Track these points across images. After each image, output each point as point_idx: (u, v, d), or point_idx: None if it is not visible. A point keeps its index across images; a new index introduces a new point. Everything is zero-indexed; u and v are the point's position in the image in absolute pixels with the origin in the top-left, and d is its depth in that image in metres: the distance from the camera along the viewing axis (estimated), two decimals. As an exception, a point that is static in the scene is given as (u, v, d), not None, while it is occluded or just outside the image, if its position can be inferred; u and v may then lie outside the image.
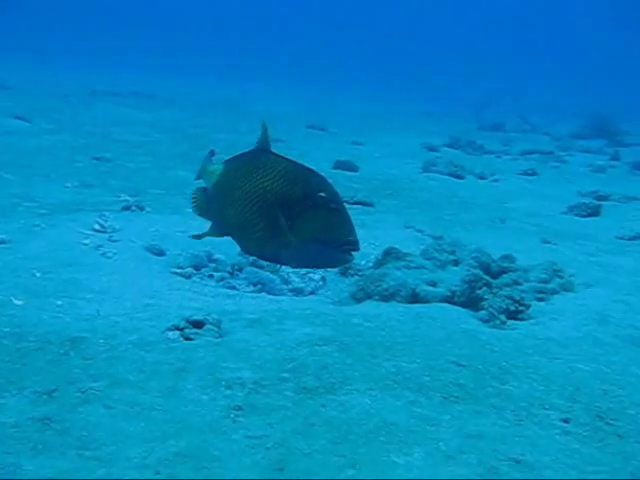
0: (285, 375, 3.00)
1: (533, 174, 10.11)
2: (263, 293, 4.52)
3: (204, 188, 3.91)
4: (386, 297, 4.13)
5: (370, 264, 5.03)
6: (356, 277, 4.99)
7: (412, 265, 4.51)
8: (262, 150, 3.60)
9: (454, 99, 26.27)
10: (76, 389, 2.76)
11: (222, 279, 4.66)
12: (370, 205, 7.05)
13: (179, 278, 4.52)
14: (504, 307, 3.96)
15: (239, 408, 2.72)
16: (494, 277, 4.61)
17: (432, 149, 12.46)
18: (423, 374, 3.07)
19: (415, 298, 4.19)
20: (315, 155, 10.02)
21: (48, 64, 21.47)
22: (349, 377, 3.01)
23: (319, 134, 13.76)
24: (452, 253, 4.78)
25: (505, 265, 4.71)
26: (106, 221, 5.26)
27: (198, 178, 4.09)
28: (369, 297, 4.16)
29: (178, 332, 3.37)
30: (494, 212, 7.13)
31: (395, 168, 9.81)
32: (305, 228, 3.26)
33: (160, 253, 4.92)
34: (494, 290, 4.04)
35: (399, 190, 8.05)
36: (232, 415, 2.68)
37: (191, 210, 3.79)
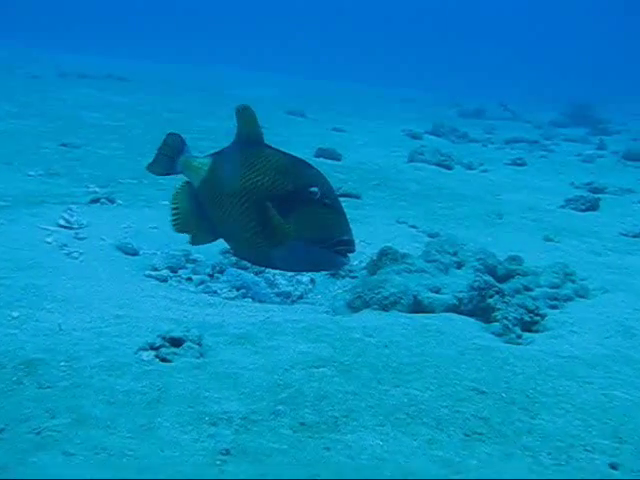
0: (279, 408, 2.55)
1: (522, 164, 9.74)
2: (248, 299, 4.08)
3: (187, 183, 3.55)
4: (386, 306, 3.70)
5: (363, 265, 4.60)
6: (347, 279, 4.57)
7: (412, 269, 4.08)
8: (253, 141, 3.25)
9: (431, 85, 25.95)
10: (29, 429, 2.30)
11: (202, 282, 4.21)
12: (357, 197, 6.61)
13: (154, 282, 4.06)
14: (518, 318, 3.54)
15: (227, 452, 2.27)
16: (500, 281, 4.21)
17: (415, 137, 12.09)
18: (439, 404, 2.64)
19: (418, 306, 3.76)
20: (296, 142, 9.56)
21: (14, 40, 20.75)
22: (354, 409, 2.58)
23: (299, 120, 13.29)
24: (455, 254, 4.36)
25: (512, 267, 4.30)
26: (72, 216, 4.78)
27: (171, 174, 3.72)
28: (367, 306, 3.72)
29: (153, 352, 2.91)
30: (489, 206, 6.72)
31: (380, 157, 9.38)
32: (297, 226, 2.89)
33: (133, 253, 4.45)
34: (506, 299, 3.62)
35: (386, 181, 7.61)
36: (218, 462, 2.23)
37: (171, 224, 3.36)
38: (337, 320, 3.47)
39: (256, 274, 4.48)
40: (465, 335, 3.35)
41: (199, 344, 3.03)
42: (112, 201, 5.41)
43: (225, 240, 3.44)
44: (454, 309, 3.75)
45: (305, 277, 4.45)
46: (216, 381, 2.74)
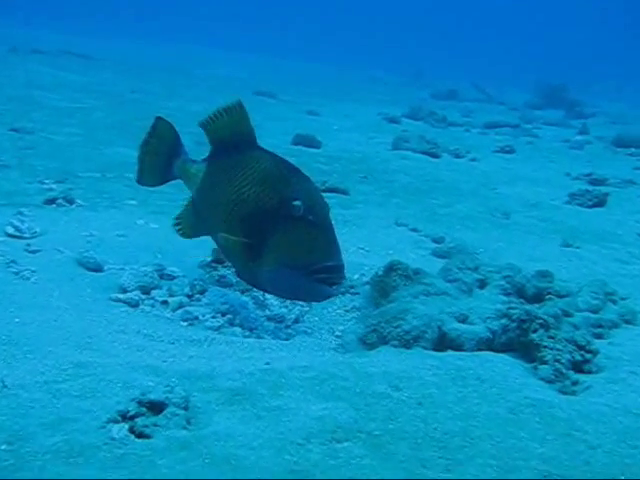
0: (301, 514, 1.90)
1: (510, 151, 9.21)
2: (236, 327, 3.40)
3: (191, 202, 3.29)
4: (408, 342, 3.06)
5: (366, 279, 3.97)
6: (348, 295, 3.93)
7: (432, 290, 3.45)
8: (245, 142, 2.73)
9: (397, 66, 25.31)
10: None
11: (180, 306, 3.52)
12: (345, 193, 5.95)
13: (123, 309, 3.36)
14: (569, 358, 2.92)
15: None
16: (531, 302, 3.61)
17: (393, 120, 11.51)
18: (509, 502, 2.01)
19: (444, 341, 3.13)
20: (270, 127, 8.85)
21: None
22: (400, 513, 1.94)
23: (270, 102, 12.56)
24: (475, 270, 3.74)
25: (543, 286, 3.69)
26: (23, 222, 4.06)
27: (169, 181, 3.45)
28: (384, 341, 3.07)
29: (126, 425, 2.23)
30: (489, 202, 6.11)
31: (361, 144, 8.73)
32: (278, 247, 2.57)
33: (96, 268, 3.75)
34: (551, 332, 2.99)
35: (372, 172, 6.96)
36: None
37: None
38: (351, 363, 2.81)
39: (242, 292, 3.82)
40: (510, 383, 2.72)
41: (185, 407, 2.35)
42: (71, 201, 4.68)
43: (221, 251, 3.20)
44: (487, 344, 3.12)
45: (299, 295, 3.79)
46: (210, 467, 2.08)
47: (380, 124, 11.09)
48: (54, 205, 4.59)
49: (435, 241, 4.79)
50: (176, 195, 5.31)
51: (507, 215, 5.57)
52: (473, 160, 8.31)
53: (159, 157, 3.32)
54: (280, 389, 2.55)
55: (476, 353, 2.99)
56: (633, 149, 9.87)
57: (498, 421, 2.42)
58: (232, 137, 2.90)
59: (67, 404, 2.34)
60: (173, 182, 5.63)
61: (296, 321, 3.69)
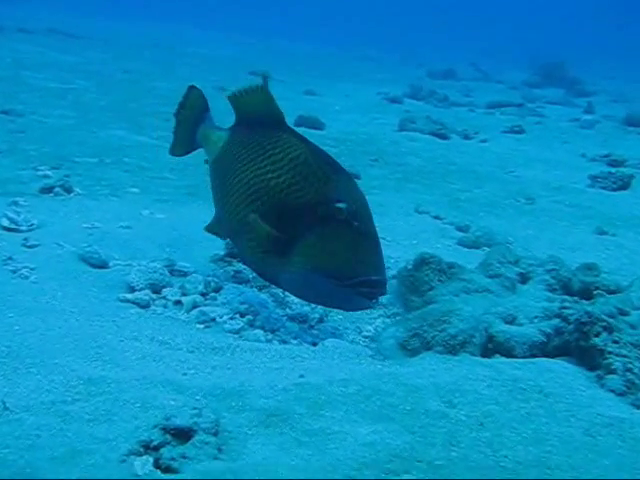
0: None
1: (520, 132, 8.91)
2: (258, 330, 3.08)
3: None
4: (454, 347, 2.75)
5: (393, 272, 3.65)
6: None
7: (472, 287, 3.14)
8: (276, 122, 2.53)
9: (389, 45, 24.90)
10: None
11: (195, 306, 3.20)
12: (357, 177, 5.61)
13: (133, 310, 3.04)
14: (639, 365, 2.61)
15: None
16: (575, 296, 3.30)
17: (394, 101, 11.21)
18: None
19: (491, 345, 2.82)
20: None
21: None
22: None
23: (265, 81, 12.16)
24: (516, 264, 3.43)
25: (590, 280, 3.38)
26: (19, 214, 3.72)
27: (195, 149, 3.18)
28: (428, 347, 2.76)
29: (151, 458, 1.91)
30: (509, 185, 5.80)
31: (365, 125, 8.40)
32: (312, 250, 2.28)
33: (101, 265, 3.42)
34: (615, 335, 2.69)
35: (382, 155, 6.63)
36: None
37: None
38: (396, 375, 2.49)
39: (260, 289, 3.50)
40: (578, 397, 2.41)
41: (215, 433, 2.04)
42: (69, 190, 4.33)
43: (230, 238, 2.87)
44: (541, 348, 2.81)
45: (322, 291, 3.47)
46: (254, 510, 1.76)
47: (381, 104, 10.76)
48: (51, 194, 4.25)
49: (460, 229, 4.48)
50: (179, 182, 4.99)
51: (532, 200, 5.26)
52: (483, 141, 8.01)
53: (187, 126, 3.02)
54: (320, 408, 2.23)
55: (532, 360, 2.68)
56: (645, 128, 9.57)
57: (575, 445, 2.11)
58: (260, 112, 2.55)
59: (79, 431, 2.02)
60: (176, 168, 5.34)
61: (320, 320, 3.38)
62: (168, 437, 1.97)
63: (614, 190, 5.93)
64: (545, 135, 8.88)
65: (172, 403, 2.20)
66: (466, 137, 8.17)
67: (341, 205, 2.18)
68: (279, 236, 2.38)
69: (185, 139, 3.09)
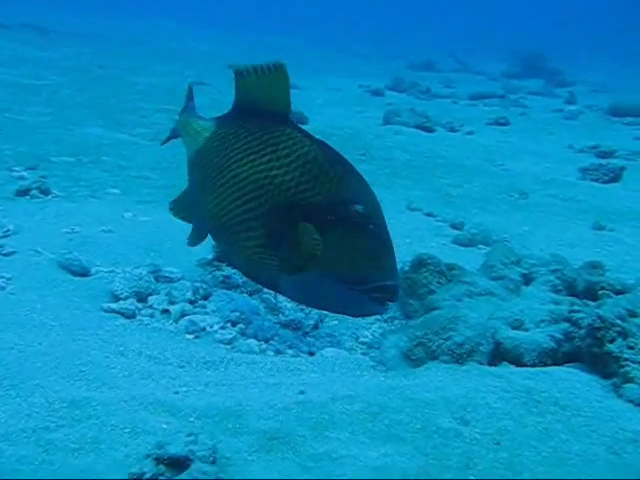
0: None
1: (505, 124, 8.80)
2: (251, 340, 2.92)
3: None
4: (461, 356, 2.59)
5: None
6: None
7: (475, 290, 2.99)
8: (278, 116, 2.28)
9: (361, 36, 24.70)
10: None
11: (183, 315, 3.03)
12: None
13: (118, 322, 2.86)
14: (655, 373, 2.47)
15: None
16: (581, 297, 3.16)
17: (376, 93, 11.08)
18: None
19: (499, 352, 2.67)
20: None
21: None
22: None
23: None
24: (517, 264, 3.28)
25: (595, 279, 3.24)
26: (-6, 219, 3.52)
27: (171, 138, 2.94)
28: (434, 356, 2.61)
29: (145, 494, 1.75)
30: (500, 180, 5.67)
31: (350, 119, 8.24)
32: (324, 254, 2.06)
33: (82, 272, 3.24)
34: (630, 341, 2.55)
35: (369, 149, 6.47)
36: None
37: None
38: (402, 389, 2.34)
39: (251, 294, 3.34)
40: (597, 409, 2.27)
41: (213, 461, 1.87)
42: (46, 192, 4.14)
43: (213, 238, 2.53)
44: (551, 355, 2.67)
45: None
46: None
47: (364, 97, 10.62)
48: (27, 197, 4.06)
49: (454, 227, 4.34)
50: (161, 181, 4.80)
51: (525, 195, 5.12)
52: (469, 134, 7.87)
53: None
54: (325, 429, 2.07)
55: (544, 369, 2.53)
56: (630, 118, 9.47)
57: (600, 465, 1.97)
58: (268, 98, 2.34)
59: (64, 463, 1.85)
60: (158, 167, 5.15)
61: (315, 327, 3.23)
62: (162, 468, 1.80)
63: (605, 182, 5.81)
64: (530, 127, 8.76)
65: (164, 427, 2.04)
66: (451, 129, 8.04)
67: (358, 207, 2.02)
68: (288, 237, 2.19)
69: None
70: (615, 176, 5.90)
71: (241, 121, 2.40)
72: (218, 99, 7.14)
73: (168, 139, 2.99)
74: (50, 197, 4.11)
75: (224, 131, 2.47)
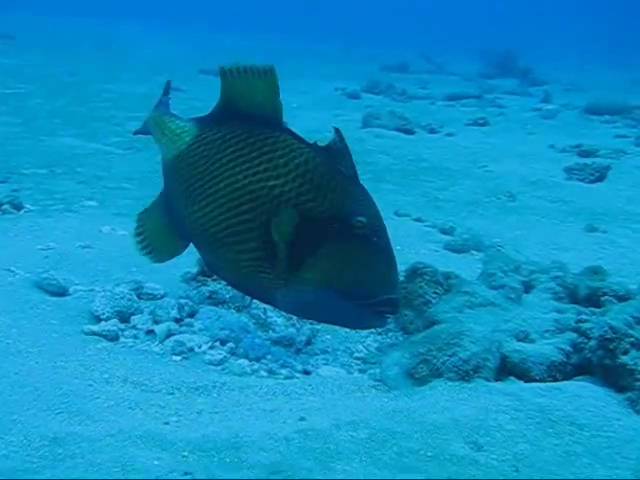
0: None
1: (484, 124, 8.67)
2: (242, 360, 2.76)
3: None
4: (467, 373, 2.45)
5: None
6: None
7: (476, 301, 2.85)
8: (269, 120, 2.10)
9: (328, 35, 24.52)
10: None
11: (169, 335, 2.86)
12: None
13: (100, 345, 2.68)
14: (672, 386, 2.35)
15: None
16: (583, 304, 3.04)
17: (353, 96, 10.94)
18: None
19: (505, 367, 2.54)
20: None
21: None
22: None
23: (218, 80, 11.79)
24: (516, 271, 3.15)
25: (596, 285, 3.12)
26: (-36, 237, 3.33)
27: (142, 133, 2.59)
28: (438, 374, 2.46)
29: None
30: (486, 182, 5.55)
31: (328, 122, 8.05)
32: (327, 267, 1.95)
33: (60, 292, 3.06)
34: (642, 351, 2.42)
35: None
36: None
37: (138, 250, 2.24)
38: (408, 411, 2.19)
39: (238, 310, 3.17)
40: (616, 428, 2.14)
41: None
42: (18, 207, 3.95)
43: (198, 248, 2.31)
44: (560, 369, 2.54)
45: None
46: None
47: (340, 100, 10.49)
48: (-1, 212, 3.87)
49: (444, 232, 4.21)
50: (139, 192, 4.62)
51: (513, 197, 5.00)
52: (450, 135, 7.76)
53: None
54: (330, 460, 1.92)
55: (555, 385, 2.40)
56: (608, 116, 9.41)
57: (627, 492, 1.83)
58: (257, 102, 2.17)
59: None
60: (135, 177, 4.97)
61: (308, 343, 3.07)
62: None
63: (591, 182, 5.71)
64: (510, 127, 8.67)
65: (156, 464, 1.88)
66: (432, 131, 7.92)
67: (362, 219, 1.89)
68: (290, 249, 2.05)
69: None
70: (601, 175, 5.80)
71: (227, 125, 2.24)
72: (193, 105, 6.97)
73: (138, 132, 2.76)
74: (23, 212, 3.93)
75: (209, 135, 2.28)
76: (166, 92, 2.62)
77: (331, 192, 1.97)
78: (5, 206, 3.87)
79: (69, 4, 23.55)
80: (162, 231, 2.42)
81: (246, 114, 2.21)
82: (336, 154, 2.09)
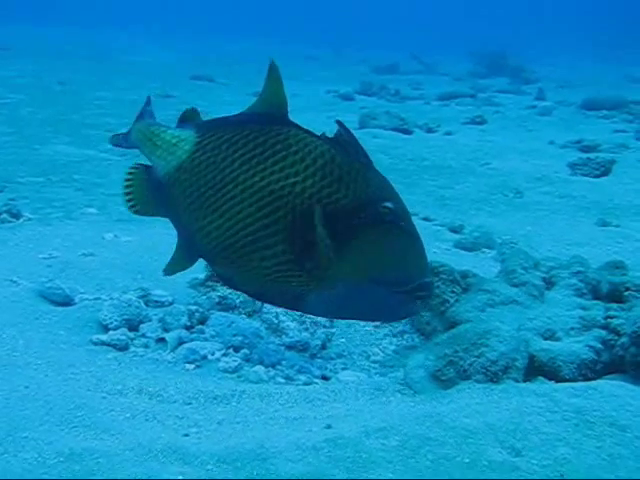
0: None
1: (481, 122, 8.60)
2: (258, 367, 2.66)
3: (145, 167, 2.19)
4: (496, 374, 2.35)
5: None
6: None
7: (497, 299, 2.75)
8: (275, 116, 2.04)
9: (318, 39, 24.44)
10: None
11: (180, 343, 2.75)
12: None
13: (110, 355, 2.58)
14: None
15: None
16: (606, 300, 2.94)
17: (346, 98, 10.88)
18: None
19: (534, 366, 2.44)
20: (220, 113, 8.02)
21: None
22: None
23: (209, 86, 11.76)
24: (536, 267, 3.06)
25: (618, 280, 3.02)
26: (-37, 248, 3.22)
27: (121, 145, 2.41)
28: (466, 376, 2.36)
29: None
30: (491, 179, 5.46)
31: (324, 124, 7.92)
32: (361, 258, 1.89)
33: (65, 301, 2.95)
34: (676, 347, 2.33)
35: (349, 154, 6.22)
36: None
37: (127, 208, 2.12)
38: (439, 416, 2.09)
39: (249, 315, 3.07)
40: (659, 428, 2.04)
41: (244, 519, 1.61)
42: (17, 215, 3.84)
43: (211, 264, 2.18)
44: (591, 367, 2.44)
45: (318, 313, 3.05)
46: None
47: (334, 102, 10.42)
48: (-3, 221, 3.76)
49: (454, 230, 4.12)
50: (139, 197, 4.50)
51: (520, 194, 4.92)
52: (448, 134, 7.68)
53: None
54: (363, 469, 1.82)
55: (589, 384, 2.30)
56: (605, 111, 9.35)
57: (681, 495, 1.74)
58: (263, 99, 2.09)
59: (70, 533, 1.57)
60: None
61: (323, 347, 2.97)
62: (186, 532, 1.54)
63: (597, 177, 5.63)
64: (507, 124, 8.60)
65: (180, 478, 1.77)
66: (429, 130, 7.85)
67: (389, 205, 1.82)
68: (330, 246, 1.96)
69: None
70: (605, 170, 5.72)
71: (231, 127, 2.12)
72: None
73: (119, 145, 2.59)
74: (22, 220, 3.81)
75: (212, 140, 2.15)
76: (147, 103, 2.44)
77: (353, 182, 1.89)
78: (3, 215, 3.76)
79: (60, 15, 23.41)
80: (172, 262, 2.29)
81: (250, 113, 2.10)
82: (347, 144, 2.01)
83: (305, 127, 2.30)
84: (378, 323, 2.99)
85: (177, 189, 2.16)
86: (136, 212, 2.26)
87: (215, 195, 2.08)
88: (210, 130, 2.17)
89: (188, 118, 2.25)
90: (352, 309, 2.02)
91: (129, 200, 2.22)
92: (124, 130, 2.53)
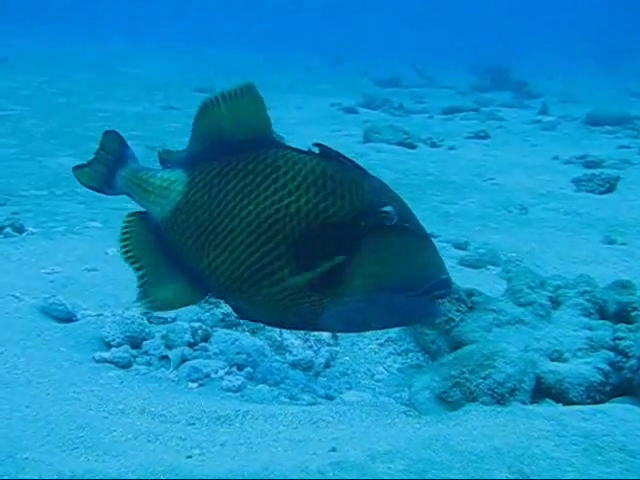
0: None
1: (485, 137, 8.60)
2: (262, 386, 2.63)
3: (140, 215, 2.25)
4: (502, 396, 2.32)
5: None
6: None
7: (504, 319, 2.73)
8: (261, 139, 2.04)
9: (319, 49, 24.45)
10: None
11: (183, 361, 2.73)
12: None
13: (112, 373, 2.55)
14: None
15: None
16: (614, 320, 2.92)
17: (350, 111, 10.90)
18: None
19: (541, 388, 2.42)
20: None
21: None
22: None
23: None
24: (542, 286, 3.03)
25: (625, 300, 3.00)
26: (-35, 262, 3.20)
27: (106, 192, 2.48)
28: (472, 398, 2.33)
29: None
30: (495, 195, 5.44)
31: (328, 138, 7.97)
32: (371, 268, 1.89)
33: (67, 317, 2.93)
34: (686, 370, 2.30)
35: (353, 169, 6.20)
36: None
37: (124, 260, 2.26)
38: (445, 439, 2.06)
39: (253, 332, 3.05)
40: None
41: None
42: (20, 229, 3.82)
43: (223, 298, 2.21)
44: (599, 390, 2.42)
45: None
46: None
47: (337, 115, 10.42)
48: (0, 236, 3.73)
49: (459, 247, 4.10)
50: (142, 211, 4.49)
51: (524, 210, 4.90)
52: (452, 149, 7.67)
53: (100, 166, 2.42)
54: (374, 505, 1.79)
55: (598, 408, 2.27)
56: (609, 127, 9.35)
57: (693, 524, 1.70)
58: (240, 127, 2.08)
59: None
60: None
61: (327, 365, 2.94)
62: None
63: (602, 193, 5.61)
64: (511, 139, 8.60)
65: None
66: (433, 145, 7.84)
67: (389, 208, 1.82)
68: (326, 270, 1.95)
69: (101, 171, 2.45)
70: (610, 186, 5.71)
71: (218, 159, 2.09)
72: (188, 122, 6.87)
73: (99, 190, 2.54)
74: (25, 235, 3.79)
75: (202, 177, 2.12)
76: (126, 147, 2.40)
77: (348, 192, 1.89)
78: (7, 229, 3.74)
79: (59, 27, 23.48)
80: (178, 297, 2.27)
81: (235, 140, 2.08)
82: (332, 157, 1.99)
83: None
84: (389, 333, 2.98)
85: (177, 231, 2.17)
86: (132, 259, 2.28)
87: (215, 230, 2.06)
88: (198, 167, 2.13)
89: (167, 159, 2.24)
90: (371, 320, 2.01)
91: (126, 252, 2.24)
92: (84, 161, 2.48)
